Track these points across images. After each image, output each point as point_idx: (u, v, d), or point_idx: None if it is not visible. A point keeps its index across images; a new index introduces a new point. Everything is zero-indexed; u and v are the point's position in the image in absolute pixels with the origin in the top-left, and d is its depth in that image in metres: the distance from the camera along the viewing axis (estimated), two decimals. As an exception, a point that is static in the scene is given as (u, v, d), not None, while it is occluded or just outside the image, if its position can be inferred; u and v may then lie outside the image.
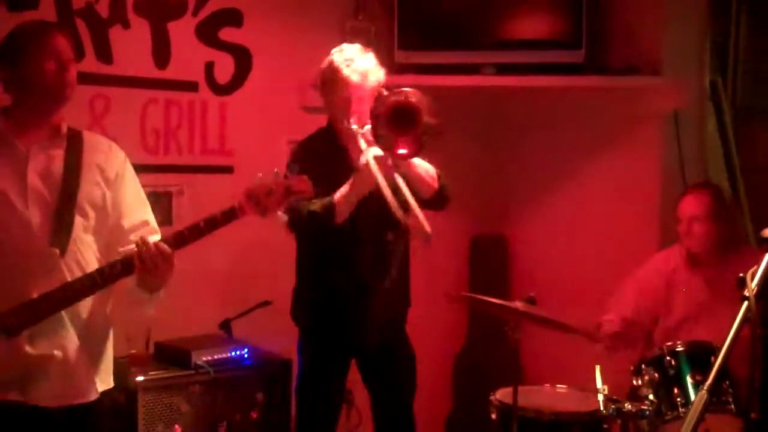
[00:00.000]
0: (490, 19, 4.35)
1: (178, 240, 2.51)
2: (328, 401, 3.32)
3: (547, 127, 4.63)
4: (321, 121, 3.37)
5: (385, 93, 3.05)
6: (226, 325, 3.82)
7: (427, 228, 2.97)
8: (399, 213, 2.93)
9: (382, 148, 2.96)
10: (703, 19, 4.43)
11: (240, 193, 2.53)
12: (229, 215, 2.52)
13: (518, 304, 3.07)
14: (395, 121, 2.93)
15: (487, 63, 4.30)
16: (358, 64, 3.13)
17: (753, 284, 1.81)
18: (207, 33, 3.95)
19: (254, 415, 3.58)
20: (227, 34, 4.00)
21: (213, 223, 2.51)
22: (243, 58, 4.05)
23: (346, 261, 3.19)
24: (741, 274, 1.84)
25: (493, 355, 4.27)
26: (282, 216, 2.76)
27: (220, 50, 3.99)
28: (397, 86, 3.04)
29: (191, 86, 3.92)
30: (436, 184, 3.18)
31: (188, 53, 3.90)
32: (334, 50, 3.20)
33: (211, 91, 3.97)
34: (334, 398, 3.35)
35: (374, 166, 2.94)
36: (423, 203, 3.11)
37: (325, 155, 3.17)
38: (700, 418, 1.75)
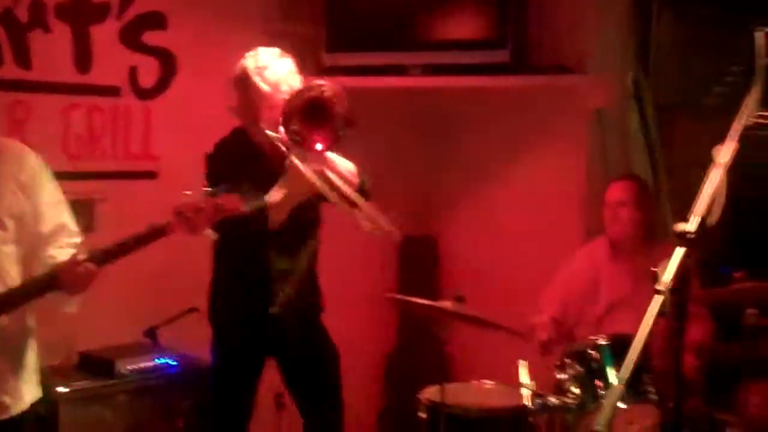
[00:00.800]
0: (418, 20, 4.36)
1: (106, 257, 2.52)
2: (239, 400, 3.27)
3: (475, 127, 4.67)
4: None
5: (297, 88, 2.99)
6: (151, 333, 3.77)
7: (382, 222, 2.98)
8: (343, 207, 2.93)
9: (297, 145, 2.91)
10: (626, 18, 4.51)
11: (169, 212, 2.52)
12: (158, 233, 2.53)
13: (446, 304, 3.09)
14: (309, 116, 2.88)
15: (414, 64, 4.32)
16: (271, 72, 3.05)
17: (665, 278, 1.85)
18: (130, 37, 3.89)
19: (180, 423, 3.54)
20: (151, 37, 3.95)
21: (141, 241, 2.53)
22: (167, 62, 4.01)
23: (254, 256, 3.15)
24: (653, 268, 1.88)
25: (423, 354, 4.31)
26: (212, 233, 2.73)
27: (143, 54, 3.94)
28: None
29: (114, 91, 3.86)
30: (356, 181, 3.14)
31: (111, 57, 3.84)
32: (248, 54, 3.11)
33: (134, 95, 3.92)
34: (245, 397, 3.29)
35: (301, 166, 2.91)
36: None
37: (240, 160, 3.12)
38: (614, 410, 1.78)
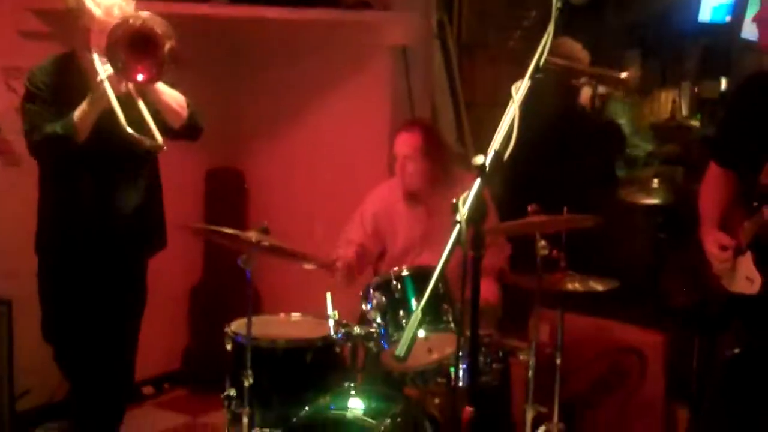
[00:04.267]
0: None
1: None
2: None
3: (281, 61, 4.63)
4: (41, 46, 3.23)
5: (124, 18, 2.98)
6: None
7: (159, 138, 3.04)
8: (128, 129, 2.97)
9: (118, 72, 2.95)
10: (431, -43, 4.59)
11: None
12: None
13: (251, 234, 3.08)
14: (133, 47, 2.92)
15: (220, -8, 4.21)
16: None
17: (463, 208, 1.91)
18: None
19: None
20: None
21: None
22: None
23: (88, 185, 3.18)
24: (453, 200, 1.93)
25: (229, 287, 4.29)
26: None
27: None
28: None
29: None
30: (185, 113, 3.20)
31: None
32: None
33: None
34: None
35: (107, 84, 2.96)
36: (174, 133, 3.20)
37: (65, 84, 3.11)
38: (414, 336, 1.84)
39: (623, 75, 4.32)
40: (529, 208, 3.25)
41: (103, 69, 2.98)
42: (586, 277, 3.32)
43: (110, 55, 2.91)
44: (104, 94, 2.98)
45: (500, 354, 3.24)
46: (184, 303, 4.73)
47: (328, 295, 3.18)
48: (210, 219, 4.55)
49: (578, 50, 4.46)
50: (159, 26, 2.93)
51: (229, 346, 3.14)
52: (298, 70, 4.58)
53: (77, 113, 3.03)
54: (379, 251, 3.81)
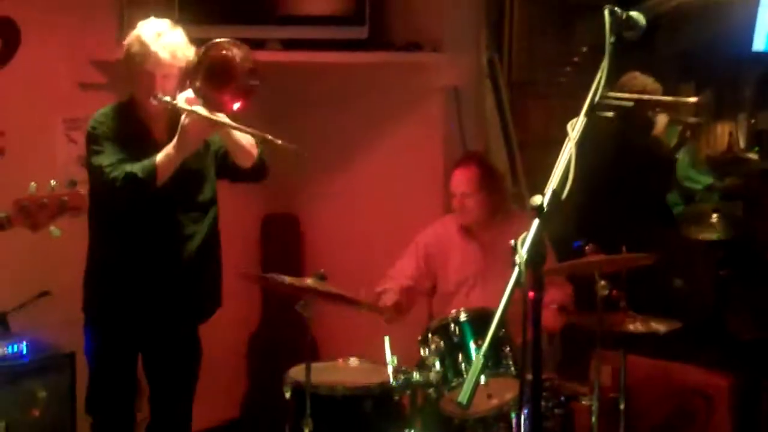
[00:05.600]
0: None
1: None
2: (121, 392, 3.20)
3: (334, 104, 4.65)
4: (100, 97, 3.20)
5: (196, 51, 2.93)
6: (1, 319, 3.59)
7: (289, 146, 2.97)
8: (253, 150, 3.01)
9: (211, 109, 2.87)
10: (480, -1, 4.60)
11: (11, 204, 2.38)
12: None
13: (308, 281, 3.07)
14: (214, 78, 2.85)
15: (272, 38, 4.25)
16: (168, 39, 2.98)
17: (523, 250, 1.87)
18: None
19: (36, 412, 3.40)
20: (-8, 6, 3.73)
21: None
22: (10, 33, 3.78)
23: (143, 241, 3.08)
24: (512, 241, 1.90)
25: (287, 334, 4.28)
26: (54, 231, 2.60)
27: (-16, 24, 3.71)
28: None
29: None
30: (255, 151, 3.12)
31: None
32: (141, 23, 3.02)
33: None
34: (128, 387, 3.23)
35: (203, 113, 2.85)
36: (244, 174, 3.13)
37: (125, 132, 3.03)
38: (476, 383, 1.80)
39: (695, 100, 4.27)
40: (587, 248, 3.21)
41: (191, 108, 2.87)
42: (647, 317, 3.25)
43: (195, 92, 2.84)
44: (192, 138, 2.89)
45: (562, 399, 3.18)
46: (242, 350, 4.72)
47: (386, 340, 3.15)
48: (266, 264, 4.56)
49: (650, 84, 4.41)
50: (229, 48, 2.87)
51: (288, 394, 3.12)
52: (351, 113, 4.60)
53: (161, 157, 2.91)
54: (430, 286, 3.80)
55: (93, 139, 3.02)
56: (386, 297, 3.58)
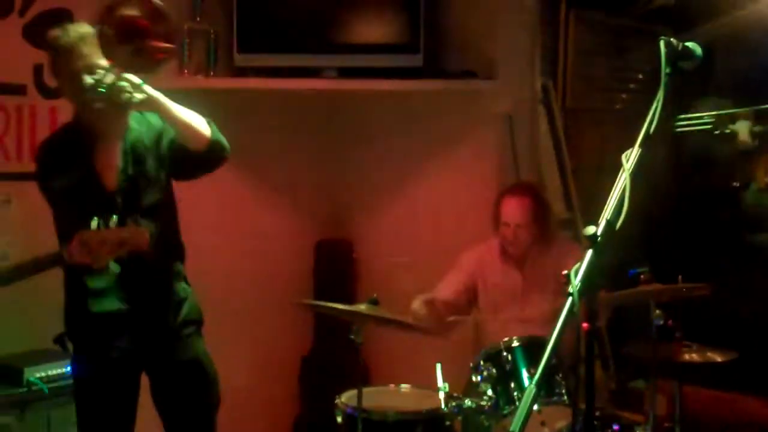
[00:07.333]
0: (331, 23, 4.36)
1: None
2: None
3: (388, 131, 4.69)
4: None
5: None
6: (61, 340, 3.66)
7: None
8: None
9: (142, 71, 2.62)
10: (534, 25, 4.62)
11: (74, 238, 2.47)
12: (57, 260, 2.51)
13: (361, 307, 3.09)
14: (129, 36, 2.59)
15: (327, 66, 4.32)
16: (79, 33, 2.69)
17: (576, 280, 1.87)
18: (35, 33, 3.76)
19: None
20: (57, 34, 3.83)
21: (40, 266, 2.56)
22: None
23: None
24: (565, 271, 1.90)
25: (340, 358, 4.29)
26: (114, 266, 2.60)
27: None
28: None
29: (19, 89, 3.74)
30: (208, 132, 2.77)
31: (15, 55, 3.72)
32: (53, 31, 2.74)
33: (40, 94, 3.79)
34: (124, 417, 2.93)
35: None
36: (200, 160, 2.79)
37: (67, 163, 2.74)
38: (529, 412, 1.80)
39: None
40: (641, 276, 3.18)
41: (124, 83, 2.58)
42: (703, 347, 3.20)
43: (119, 61, 2.58)
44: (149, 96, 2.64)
45: (615, 427, 3.14)
46: (294, 373, 4.75)
47: (438, 367, 3.15)
48: (320, 289, 4.59)
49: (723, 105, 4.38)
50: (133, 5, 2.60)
51: (339, 418, 3.14)
52: (405, 140, 4.63)
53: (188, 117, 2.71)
54: (469, 305, 3.84)
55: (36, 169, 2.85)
56: (415, 302, 3.59)
